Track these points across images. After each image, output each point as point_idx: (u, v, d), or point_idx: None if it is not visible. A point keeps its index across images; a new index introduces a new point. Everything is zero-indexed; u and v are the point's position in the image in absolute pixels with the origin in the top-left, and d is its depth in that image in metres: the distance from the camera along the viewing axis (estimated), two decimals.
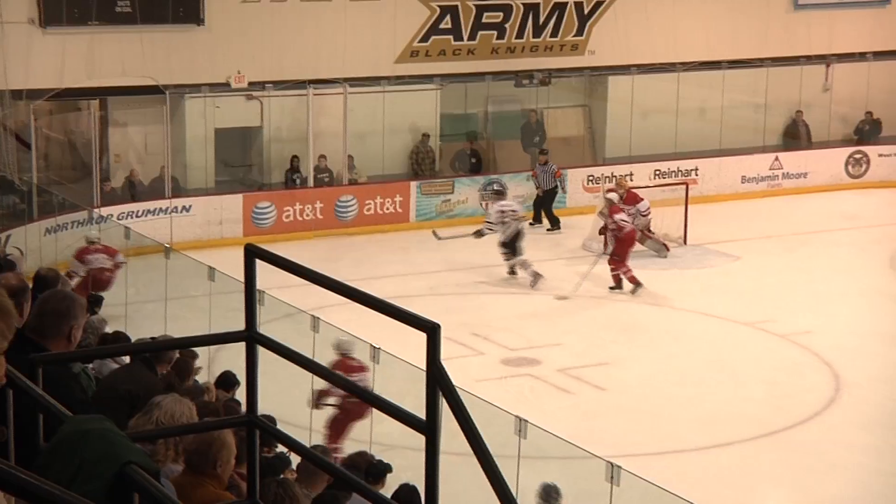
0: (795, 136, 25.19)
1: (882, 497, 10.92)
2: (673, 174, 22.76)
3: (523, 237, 17.87)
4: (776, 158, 23.94)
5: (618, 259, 17.37)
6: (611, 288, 17.32)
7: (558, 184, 21.39)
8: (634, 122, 23.80)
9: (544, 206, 21.22)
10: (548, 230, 20.82)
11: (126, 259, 15.33)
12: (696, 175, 22.99)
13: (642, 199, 19.04)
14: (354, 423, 10.99)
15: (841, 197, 23.47)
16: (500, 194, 19.06)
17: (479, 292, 17.39)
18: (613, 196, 18.49)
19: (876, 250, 19.58)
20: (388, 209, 20.97)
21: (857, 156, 24.85)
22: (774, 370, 14.11)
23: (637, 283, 17.10)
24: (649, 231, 19.35)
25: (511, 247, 17.82)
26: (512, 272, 17.86)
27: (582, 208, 21.45)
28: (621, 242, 17.45)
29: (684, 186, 20.72)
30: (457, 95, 23.04)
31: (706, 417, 12.66)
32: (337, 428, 11.08)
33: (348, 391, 3.20)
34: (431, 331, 3.03)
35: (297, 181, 20.86)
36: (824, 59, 25.31)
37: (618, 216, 17.75)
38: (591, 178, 22.51)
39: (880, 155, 24.84)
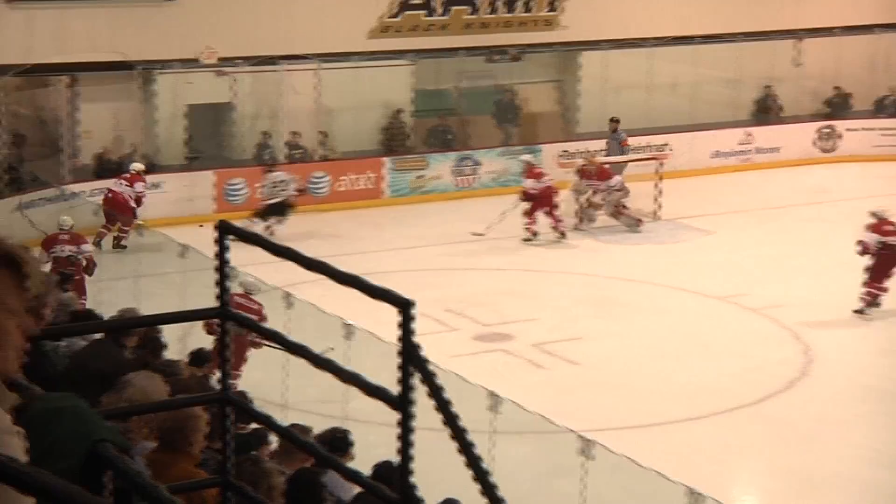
0: (766, 110, 25.27)
1: (852, 468, 11.00)
2: (646, 149, 22.78)
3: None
4: (748, 133, 24.01)
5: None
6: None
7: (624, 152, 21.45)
8: (607, 98, 23.80)
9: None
10: None
11: (92, 250, 14.96)
12: (669, 150, 23.03)
13: (613, 175, 19.08)
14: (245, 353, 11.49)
15: (812, 171, 23.58)
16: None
17: (454, 268, 17.39)
18: (529, 158, 19.75)
19: (846, 224, 19.67)
20: (361, 185, 20.93)
21: (828, 130, 24.95)
22: (747, 344, 14.18)
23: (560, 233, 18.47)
24: (623, 207, 19.40)
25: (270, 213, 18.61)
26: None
27: (556, 183, 21.43)
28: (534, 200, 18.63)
29: (657, 161, 20.77)
30: (429, 71, 22.97)
31: (679, 391, 12.72)
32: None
33: (324, 368, 3.17)
34: (405, 306, 3.01)
35: (269, 157, 20.75)
36: (795, 34, 25.37)
37: (527, 182, 18.79)
38: (563, 153, 22.51)
39: (850, 129, 24.96)
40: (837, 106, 25.73)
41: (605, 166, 19.22)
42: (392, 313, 3.07)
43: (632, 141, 22.45)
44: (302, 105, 21.06)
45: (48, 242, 14.47)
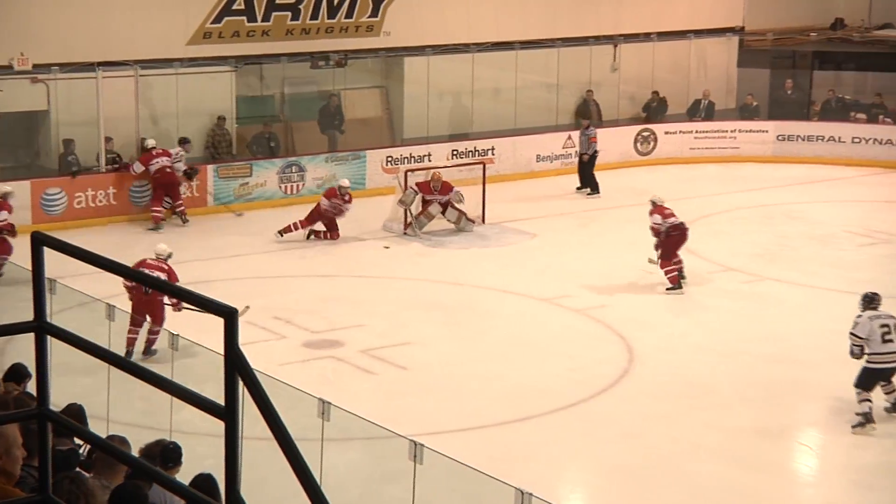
0: (587, 115, 25.83)
1: (671, 460, 11.34)
2: (470, 154, 23.06)
3: None
4: (569, 137, 24.52)
5: None
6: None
7: (595, 148, 22.44)
8: (431, 103, 24.01)
9: (586, 171, 22.46)
10: (588, 194, 22.30)
11: None
12: (493, 154, 23.36)
13: (453, 188, 19.40)
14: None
15: (631, 173, 24.22)
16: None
17: (281, 275, 17.27)
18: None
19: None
20: (184, 193, 20.57)
21: (645, 133, 25.68)
22: (572, 344, 14.47)
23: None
24: (462, 211, 19.63)
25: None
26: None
27: (381, 189, 21.55)
28: None
29: (481, 166, 21.03)
30: (252, 77, 22.78)
31: (507, 393, 12.89)
32: None
33: (147, 380, 3.09)
34: (228, 316, 2.99)
35: (74, 167, 20.15)
36: (612, 40, 26.04)
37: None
38: (389, 158, 22.59)
39: (666, 133, 25.75)
40: (654, 110, 26.50)
41: (446, 181, 19.47)
42: (219, 323, 3.04)
43: (455, 147, 22.72)
44: (121, 112, 20.59)
45: None
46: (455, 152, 23.18)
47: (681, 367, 13.75)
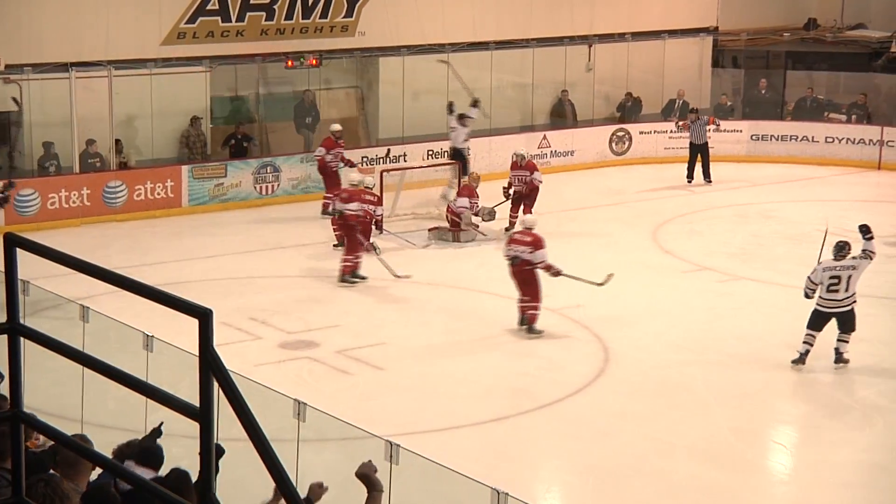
0: (562, 115, 25.92)
1: (646, 459, 11.37)
2: (445, 154, 23.06)
3: None
4: (544, 137, 24.57)
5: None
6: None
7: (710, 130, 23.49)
8: (406, 103, 24.01)
9: (705, 160, 23.36)
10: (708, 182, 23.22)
11: None
12: (469, 154, 23.35)
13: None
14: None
15: (606, 173, 24.31)
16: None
17: (256, 276, 17.23)
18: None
19: (639, 224, 20.37)
20: (159, 194, 20.52)
21: (620, 133, 25.76)
22: (548, 344, 14.49)
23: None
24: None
25: None
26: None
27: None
28: None
29: (456, 166, 21.04)
30: (227, 78, 22.73)
31: (483, 392, 12.91)
32: None
33: (121, 381, 3.09)
34: (203, 316, 2.99)
35: (52, 168, 20.09)
36: (587, 40, 26.10)
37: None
38: (365, 159, 22.57)
39: (641, 132, 25.84)
40: (629, 110, 26.58)
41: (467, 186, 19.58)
42: (193, 323, 3.03)
43: (430, 147, 22.72)
44: (95, 113, 20.51)
45: None
46: (430, 152, 23.18)
47: (656, 367, 13.79)
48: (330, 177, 20.51)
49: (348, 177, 18.71)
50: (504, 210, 19.71)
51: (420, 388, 13.05)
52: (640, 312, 15.72)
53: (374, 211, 18.35)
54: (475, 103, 22.74)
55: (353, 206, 17.11)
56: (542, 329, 14.71)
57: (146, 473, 6.71)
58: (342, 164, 20.55)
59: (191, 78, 21.90)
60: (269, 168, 21.77)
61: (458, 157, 21.97)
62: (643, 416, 12.37)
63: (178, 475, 6.47)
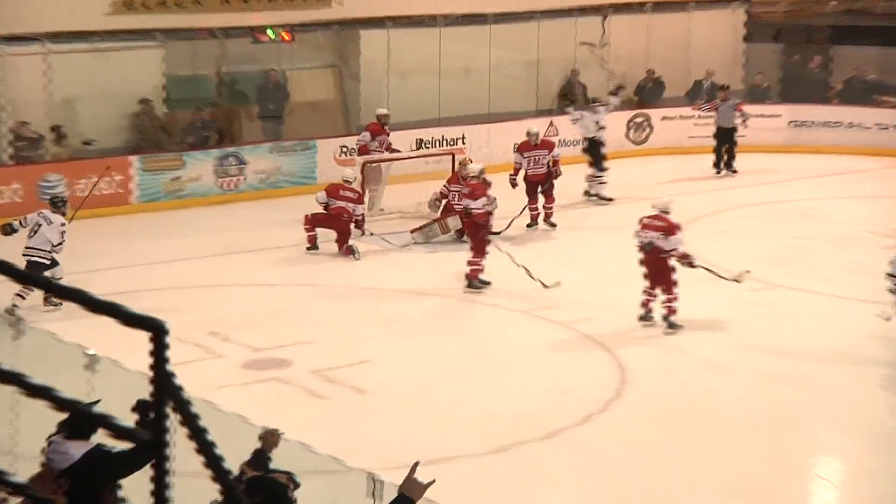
0: (571, 97, 25.94)
1: (667, 495, 11.39)
2: (437, 143, 23.11)
3: None
4: (551, 123, 24.61)
5: None
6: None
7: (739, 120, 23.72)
8: (392, 85, 24.03)
9: (733, 146, 23.77)
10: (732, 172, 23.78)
11: None
12: (464, 144, 23.41)
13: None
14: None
15: (622, 166, 24.30)
16: None
17: (219, 284, 17.25)
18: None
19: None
20: (105, 189, 20.50)
21: (639, 119, 25.82)
22: (554, 362, 14.51)
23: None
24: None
25: None
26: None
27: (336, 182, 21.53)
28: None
29: (450, 157, 21.07)
30: (184, 55, 22.72)
31: (480, 419, 12.92)
32: None
33: (59, 407, 3.10)
34: (157, 331, 3.00)
35: None
36: (600, 12, 26.13)
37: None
38: (344, 149, 22.60)
39: (663, 118, 25.91)
40: (649, 92, 26.62)
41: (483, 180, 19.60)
42: (145, 339, 3.05)
43: (420, 135, 22.76)
44: (29, 96, 20.51)
45: None
46: (419, 141, 23.23)
47: (679, 389, 13.81)
48: (371, 169, 20.57)
49: (343, 174, 18.79)
50: (505, 207, 19.70)
51: (408, 414, 13.07)
52: (660, 326, 15.74)
53: (354, 209, 18.41)
54: (617, 90, 23.01)
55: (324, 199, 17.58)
56: (681, 323, 15.25)
57: (77, 446, 6.99)
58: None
59: (142, 55, 21.91)
60: (233, 159, 21.79)
61: (594, 149, 21.99)
62: (665, 446, 12.39)
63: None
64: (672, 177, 23.53)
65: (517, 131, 24.07)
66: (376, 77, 24.06)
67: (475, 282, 16.93)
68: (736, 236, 19.99)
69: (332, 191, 18.52)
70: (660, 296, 15.42)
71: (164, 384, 3.03)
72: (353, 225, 18.54)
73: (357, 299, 16.81)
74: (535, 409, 13.25)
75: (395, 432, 12.62)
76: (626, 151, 25.36)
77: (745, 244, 19.45)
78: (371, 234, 19.13)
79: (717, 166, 23.95)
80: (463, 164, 19.61)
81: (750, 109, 24.86)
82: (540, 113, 25.26)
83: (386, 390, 13.68)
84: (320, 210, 18.44)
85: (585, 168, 22.16)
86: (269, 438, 7.76)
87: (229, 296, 16.85)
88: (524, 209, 19.99)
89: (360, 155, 20.96)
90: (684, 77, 26.84)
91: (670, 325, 15.34)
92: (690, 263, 15.47)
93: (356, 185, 18.81)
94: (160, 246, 18.89)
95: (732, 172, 23.83)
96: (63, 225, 15.52)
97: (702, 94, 26.24)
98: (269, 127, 23.21)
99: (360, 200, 18.58)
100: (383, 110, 21.20)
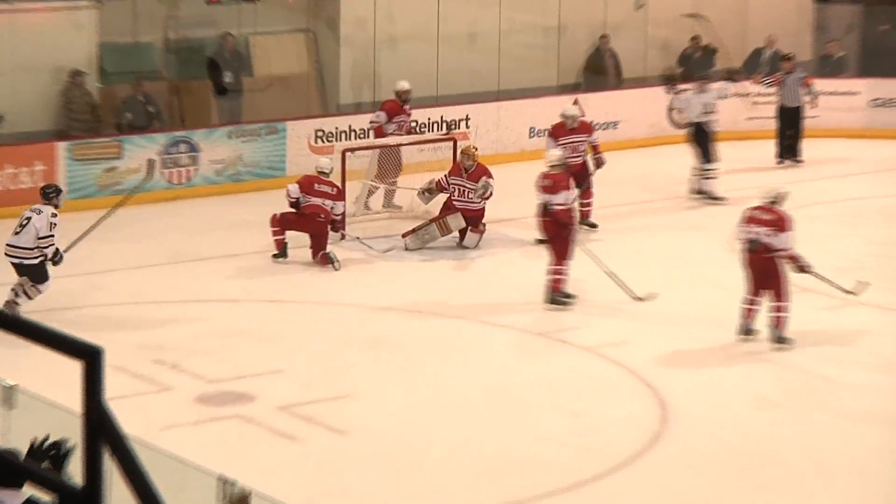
0: (601, 70, 25.95)
1: None
2: (435, 126, 23.13)
3: None
4: (575, 102, 24.59)
5: None
6: None
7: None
8: (379, 55, 24.05)
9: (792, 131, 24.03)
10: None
11: None
12: (468, 127, 23.41)
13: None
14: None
15: (663, 154, 24.31)
16: None
17: (165, 300, 17.26)
18: None
19: (709, 226, 20.38)
20: (23, 183, 20.51)
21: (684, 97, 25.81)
22: (579, 397, 14.52)
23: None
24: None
25: None
26: None
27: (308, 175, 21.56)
28: None
29: (451, 143, 21.07)
30: (123, 17, 22.75)
31: (486, 466, 12.94)
32: None
33: None
34: (90, 358, 3.03)
35: None
36: None
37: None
38: (320, 133, 22.61)
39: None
40: (696, 63, 26.60)
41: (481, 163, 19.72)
42: (74, 368, 3.08)
43: (414, 116, 22.77)
44: None
45: None
46: (414, 124, 23.25)
47: (733, 430, 13.83)
48: (388, 156, 20.72)
49: (318, 163, 18.83)
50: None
51: (397, 460, 13.09)
52: (707, 354, 15.76)
53: (332, 208, 18.44)
54: (732, 76, 23.80)
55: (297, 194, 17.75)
56: (793, 337, 15.41)
57: (8, 496, 6.99)
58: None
59: (70, 17, 21.93)
60: (183, 146, 21.80)
61: (701, 136, 22.12)
62: (716, 500, 12.42)
63: None
64: (725, 167, 23.52)
65: (533, 112, 24.15)
66: (360, 45, 24.09)
67: (558, 295, 16.86)
68: (803, 241, 19.94)
69: (306, 185, 18.54)
70: (765, 304, 15.45)
71: (97, 421, 3.06)
72: (329, 227, 18.55)
73: (335, 319, 16.82)
74: (554, 454, 13.27)
75: (382, 482, 12.65)
76: (668, 137, 25.33)
77: (815, 251, 19.38)
78: (355, 238, 19.15)
79: (781, 154, 23.97)
80: (466, 151, 19.62)
81: (821, 85, 24.87)
82: (562, 89, 25.25)
83: (371, 431, 13.70)
84: (290, 209, 18.46)
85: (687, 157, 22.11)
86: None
87: (178, 314, 16.85)
88: None
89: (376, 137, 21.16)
90: (740, 45, 26.87)
91: (779, 339, 15.45)
92: (802, 268, 15.57)
93: (334, 178, 18.81)
94: (92, 253, 18.85)
95: (798, 162, 23.85)
96: (54, 216, 15.80)
97: (762, 65, 26.26)
98: (227, 106, 23.23)
99: (339, 197, 18.58)
100: (404, 84, 21.21)
